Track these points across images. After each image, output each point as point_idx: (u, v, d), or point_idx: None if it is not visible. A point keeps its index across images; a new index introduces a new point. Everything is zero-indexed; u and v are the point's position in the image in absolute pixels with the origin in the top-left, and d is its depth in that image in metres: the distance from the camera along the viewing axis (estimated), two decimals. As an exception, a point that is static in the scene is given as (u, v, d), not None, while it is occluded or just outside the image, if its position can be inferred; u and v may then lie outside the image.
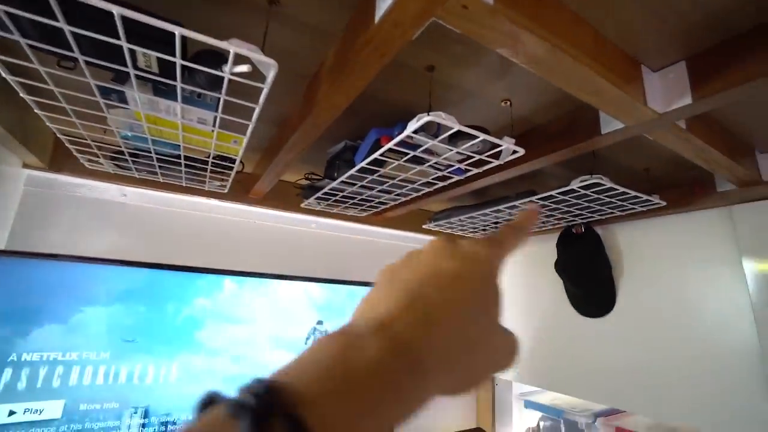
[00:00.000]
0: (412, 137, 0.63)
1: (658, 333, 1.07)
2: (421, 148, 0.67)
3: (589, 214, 1.08)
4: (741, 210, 0.97)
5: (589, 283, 1.22)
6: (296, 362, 0.18)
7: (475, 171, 0.77)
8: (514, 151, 0.68)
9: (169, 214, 1.16)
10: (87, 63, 0.47)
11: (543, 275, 1.40)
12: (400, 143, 0.65)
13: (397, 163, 0.73)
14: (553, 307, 1.36)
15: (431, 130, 0.65)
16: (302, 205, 1.14)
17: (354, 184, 0.88)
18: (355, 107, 0.62)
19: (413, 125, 0.59)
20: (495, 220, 1.25)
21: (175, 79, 0.48)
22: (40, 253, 0.93)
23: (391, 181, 0.85)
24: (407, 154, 0.70)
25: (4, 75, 0.51)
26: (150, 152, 0.77)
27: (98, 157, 0.85)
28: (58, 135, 0.73)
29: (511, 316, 1.51)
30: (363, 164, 0.73)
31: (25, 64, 0.47)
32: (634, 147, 0.84)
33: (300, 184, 1.08)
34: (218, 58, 0.49)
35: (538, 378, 1.39)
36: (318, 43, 0.58)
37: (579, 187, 0.84)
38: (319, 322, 1.19)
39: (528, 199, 0.98)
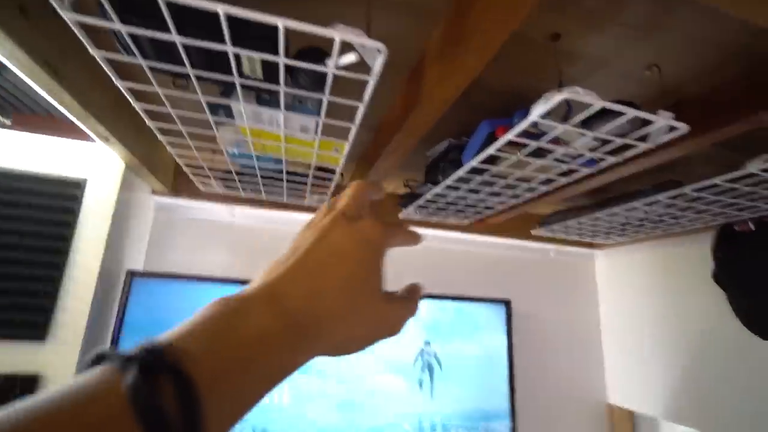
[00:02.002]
0: (536, 123, 0.52)
1: None
2: (548, 136, 0.55)
3: (766, 206, 0.84)
4: None
5: None
6: (189, 324, 0.20)
7: (612, 160, 0.62)
8: (671, 130, 0.54)
9: (272, 231, 1.19)
10: (197, 78, 0.47)
11: (694, 286, 1.13)
12: (521, 133, 0.55)
13: (514, 158, 0.63)
14: (712, 327, 1.08)
15: (559, 113, 0.54)
16: (400, 216, 1.08)
17: (459, 188, 0.79)
18: (457, 100, 0.54)
19: (541, 107, 0.49)
20: (624, 221, 1.05)
21: (278, 83, 0.46)
22: (167, 273, 1.01)
23: (503, 181, 0.74)
24: (527, 146, 0.59)
25: (132, 103, 0.54)
26: (254, 168, 0.78)
27: (210, 178, 0.90)
28: (177, 159, 0.78)
29: (654, 341, 1.25)
30: (474, 163, 0.64)
31: (147, 88, 0.48)
32: None
33: (398, 194, 1.02)
34: (319, 55, 0.45)
35: (694, 417, 1.10)
36: (421, 23, 0.52)
37: (762, 170, 0.64)
38: (427, 343, 1.10)
39: (676, 192, 0.78)
